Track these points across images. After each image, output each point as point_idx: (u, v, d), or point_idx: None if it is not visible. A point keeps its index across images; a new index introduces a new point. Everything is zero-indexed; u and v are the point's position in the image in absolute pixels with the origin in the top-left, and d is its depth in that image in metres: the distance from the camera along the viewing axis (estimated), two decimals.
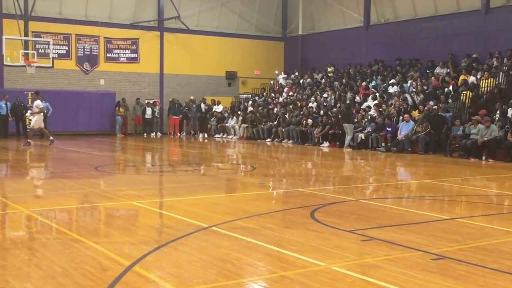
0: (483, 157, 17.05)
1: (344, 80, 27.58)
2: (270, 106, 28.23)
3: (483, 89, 20.73)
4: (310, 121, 23.81)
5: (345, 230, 7.12)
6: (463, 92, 20.62)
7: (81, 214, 8.70)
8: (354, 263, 5.63)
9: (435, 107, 20.34)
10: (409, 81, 23.79)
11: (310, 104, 25.77)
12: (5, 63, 24.80)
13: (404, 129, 19.89)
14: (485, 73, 21.05)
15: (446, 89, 21.57)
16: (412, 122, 19.95)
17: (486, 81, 20.76)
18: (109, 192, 10.41)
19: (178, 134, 29.24)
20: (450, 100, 20.56)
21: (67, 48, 28.08)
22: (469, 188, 11.71)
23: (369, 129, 21.25)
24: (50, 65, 25.74)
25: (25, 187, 11.51)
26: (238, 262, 5.69)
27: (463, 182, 12.69)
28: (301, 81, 30.30)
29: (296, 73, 31.29)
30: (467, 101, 20.28)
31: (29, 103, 26.03)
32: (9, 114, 24.83)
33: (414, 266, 5.48)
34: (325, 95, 26.33)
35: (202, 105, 29.82)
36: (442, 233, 7.05)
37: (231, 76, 32.42)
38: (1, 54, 24.77)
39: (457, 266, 5.54)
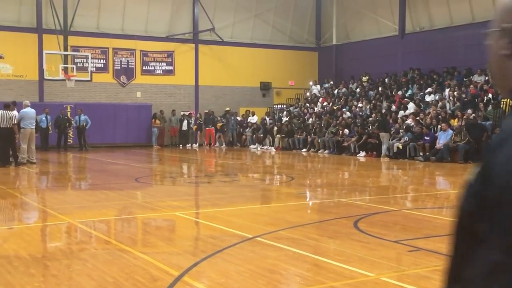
0: None
1: (379, 89, 27.42)
2: (306, 116, 28.19)
3: None
4: (346, 130, 23.72)
5: (390, 240, 7.06)
6: (503, 100, 20.30)
7: (125, 224, 8.82)
8: (403, 273, 5.58)
9: (473, 115, 20.08)
10: (447, 90, 23.52)
11: (344, 115, 25.66)
12: (45, 77, 25.35)
13: (443, 138, 19.66)
14: None
15: (485, 97, 21.26)
16: (450, 131, 19.71)
17: None
18: (151, 203, 10.53)
19: (215, 145, 29.36)
20: (490, 108, 20.26)
21: (104, 61, 28.51)
22: None
23: (405, 138, 21.05)
24: (89, 78, 26.17)
25: (70, 198, 11.70)
26: (286, 272, 5.70)
27: None
28: (335, 91, 30.20)
29: (331, 82, 31.18)
30: (507, 109, 19.95)
31: (69, 116, 26.58)
32: (50, 128, 25.26)
33: None
34: (360, 105, 26.20)
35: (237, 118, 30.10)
36: None
37: (265, 87, 32.46)
38: (42, 69, 25.35)
39: None
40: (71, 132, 26.53)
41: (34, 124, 18.94)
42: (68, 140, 26.29)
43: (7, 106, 17.98)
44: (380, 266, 5.82)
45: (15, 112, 17.79)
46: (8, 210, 10.49)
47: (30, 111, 18.53)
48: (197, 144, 28.96)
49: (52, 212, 9.47)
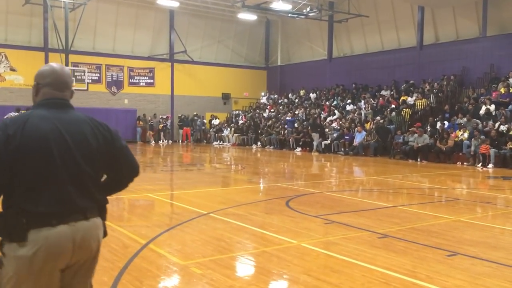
0: (418, 159, 17.17)
1: (312, 100, 27.66)
2: (256, 120, 28.21)
3: (418, 107, 20.90)
4: (287, 130, 23.90)
5: (312, 215, 7.13)
6: (403, 109, 20.77)
7: (109, 204, 8.64)
8: (318, 240, 5.65)
9: (381, 120, 20.47)
10: (362, 101, 23.92)
11: (287, 118, 25.81)
12: None
13: (358, 137, 19.98)
14: (420, 95, 21.23)
15: (390, 107, 21.72)
16: (364, 132, 20.05)
17: (420, 101, 20.94)
18: (131, 187, 10.17)
19: (189, 141, 29.10)
20: (393, 114, 20.70)
21: (98, 75, 27.90)
22: (408, 183, 11.76)
23: (334, 136, 21.32)
24: (85, 88, 25.52)
25: None
26: (230, 240, 5.69)
27: (403, 178, 12.74)
28: (279, 100, 30.33)
29: (276, 96, 31.27)
30: (406, 116, 20.43)
31: None
32: None
33: (364, 243, 5.51)
34: (297, 112, 26.39)
35: (203, 120, 30.01)
36: (386, 217, 7.08)
37: (226, 97, 32.35)
38: None
39: (397, 242, 5.57)
40: None
41: None
42: None
43: (18, 110, 17.61)
44: (302, 235, 5.88)
45: None
46: None
47: None
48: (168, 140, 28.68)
49: None
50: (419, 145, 17.17)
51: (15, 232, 2.07)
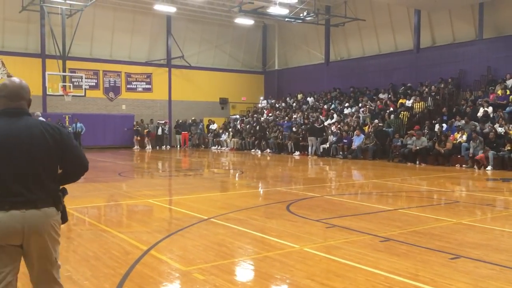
0: (417, 162, 17.17)
1: (309, 103, 27.68)
2: (254, 124, 28.20)
3: (416, 110, 20.93)
4: (285, 135, 23.90)
5: (313, 219, 7.11)
6: (402, 112, 20.79)
7: (108, 210, 8.61)
8: (320, 245, 5.62)
9: (379, 123, 20.48)
10: (360, 104, 23.93)
11: (284, 122, 25.81)
12: (47, 93, 24.58)
13: (357, 141, 19.98)
14: (417, 98, 21.26)
15: (388, 110, 21.73)
16: (362, 136, 20.06)
17: (418, 104, 20.97)
18: (130, 193, 10.32)
19: (187, 146, 29.03)
20: (392, 118, 20.70)
21: (96, 81, 27.87)
22: (407, 186, 11.76)
23: (332, 140, 21.30)
24: (83, 94, 25.56)
25: None
26: (231, 245, 5.66)
27: (402, 181, 12.75)
28: (277, 105, 30.35)
29: (273, 100, 31.28)
30: (404, 119, 20.45)
31: (67, 124, 25.86)
32: None
33: (366, 247, 5.49)
34: (295, 116, 26.39)
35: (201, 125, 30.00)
36: (387, 221, 7.07)
37: (223, 102, 32.37)
38: (45, 86, 24.59)
39: (399, 246, 5.55)
40: None
41: None
42: None
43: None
44: (304, 240, 5.85)
45: None
46: None
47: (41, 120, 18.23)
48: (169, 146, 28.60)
49: None
50: (418, 147, 17.18)
51: None
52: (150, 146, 27.61)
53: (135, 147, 27.41)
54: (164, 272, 4.66)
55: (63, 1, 23.12)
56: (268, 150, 24.45)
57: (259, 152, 24.53)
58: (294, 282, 4.31)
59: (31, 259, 2.78)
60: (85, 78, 26.18)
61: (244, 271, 4.80)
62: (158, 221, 7.34)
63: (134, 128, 27.65)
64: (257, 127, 26.89)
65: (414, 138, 17.58)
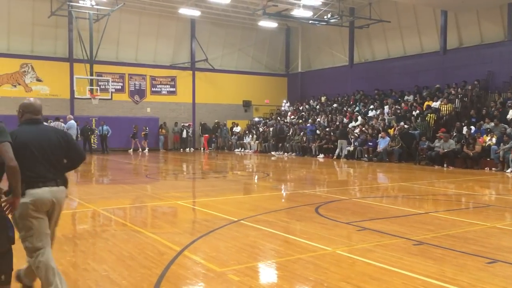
0: (445, 165, 16.91)
1: (334, 106, 27.55)
2: (277, 127, 28.15)
3: (443, 112, 20.62)
4: (308, 137, 23.84)
5: (343, 222, 7.08)
6: (428, 115, 20.51)
7: (138, 211, 8.72)
8: (353, 248, 5.59)
9: (406, 126, 20.25)
10: (385, 106, 23.71)
11: (308, 125, 25.71)
12: (75, 96, 25.04)
13: (382, 143, 19.80)
14: (445, 99, 20.95)
15: (414, 112, 21.47)
16: (388, 138, 19.86)
17: (446, 106, 20.67)
18: (158, 194, 10.43)
19: (208, 149, 29.17)
20: (418, 120, 20.45)
21: (122, 84, 28.28)
22: (435, 189, 11.59)
23: (356, 143, 21.16)
24: (109, 97, 25.92)
25: (94, 191, 11.54)
26: (263, 247, 5.68)
27: (429, 184, 12.56)
28: (300, 107, 30.30)
29: (293, 107, 31.15)
30: (431, 122, 20.18)
31: (93, 126, 26.30)
32: (78, 135, 24.84)
33: (400, 250, 5.44)
34: (318, 119, 26.27)
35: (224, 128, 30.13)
36: (419, 224, 6.98)
37: (246, 104, 32.45)
38: (73, 90, 25.07)
39: (434, 250, 5.48)
40: (96, 139, 26.32)
41: (75, 132, 19.24)
42: (93, 145, 25.97)
43: (58, 119, 18.41)
44: (336, 242, 5.83)
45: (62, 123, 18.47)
46: None
47: (74, 122, 19.01)
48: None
49: (81, 201, 9.35)
50: (445, 150, 16.93)
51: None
52: (146, 148, 27.18)
53: (131, 149, 27.04)
54: (199, 273, 4.70)
55: (91, 6, 23.54)
56: (292, 153, 24.40)
57: (285, 154, 24.50)
58: (329, 285, 4.30)
59: (51, 221, 3.89)
60: (112, 82, 26.60)
61: (278, 273, 4.81)
62: (188, 222, 7.41)
63: (133, 132, 27.15)
64: (279, 130, 26.86)
65: (441, 140, 17.32)
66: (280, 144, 25.59)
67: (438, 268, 4.73)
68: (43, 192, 3.71)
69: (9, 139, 3.49)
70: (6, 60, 25.02)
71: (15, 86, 25.33)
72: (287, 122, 28.29)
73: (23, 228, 3.72)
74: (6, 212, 3.55)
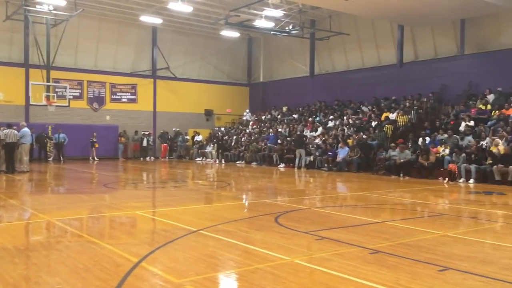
0: (401, 175, 17.37)
1: (295, 116, 27.85)
2: (239, 136, 28.25)
3: (400, 123, 21.22)
4: (269, 147, 23.96)
5: (302, 231, 7.14)
6: (386, 126, 21.06)
7: (95, 221, 8.51)
8: (311, 257, 5.65)
9: (364, 136, 20.69)
10: (345, 117, 24.17)
11: (269, 134, 25.89)
12: (31, 103, 24.28)
13: (341, 153, 20.15)
14: (401, 111, 21.58)
15: (373, 123, 21.98)
16: (347, 148, 20.23)
17: (402, 117, 21.28)
18: (116, 204, 10.22)
19: (167, 158, 28.93)
20: (376, 131, 20.95)
21: (80, 91, 27.68)
22: (392, 198, 11.86)
23: (316, 153, 21.43)
24: (67, 104, 25.33)
25: (49, 200, 11.20)
26: (222, 257, 5.65)
27: (386, 193, 12.83)
28: (262, 117, 30.47)
29: (255, 117, 31.32)
30: (388, 132, 20.71)
31: (50, 134, 25.55)
32: (33, 143, 24.09)
33: (356, 259, 5.53)
34: (279, 128, 26.51)
35: (186, 137, 29.92)
36: (375, 233, 7.13)
37: (208, 113, 32.39)
38: (28, 96, 24.32)
39: (388, 258, 5.60)
40: (51, 147, 25.55)
41: (30, 140, 18.55)
42: (48, 153, 25.21)
43: (10, 126, 17.72)
44: (294, 252, 5.87)
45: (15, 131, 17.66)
46: None
47: (27, 130, 18.28)
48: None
49: (34, 212, 9.04)
50: (402, 160, 17.40)
51: None
52: (95, 157, 26.70)
53: (90, 157, 26.75)
54: (157, 284, 4.63)
55: (48, 11, 22.98)
56: (254, 163, 24.47)
57: (244, 164, 24.54)
58: None
59: None
60: (69, 88, 25.98)
61: (237, 283, 4.80)
62: (146, 232, 7.29)
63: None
64: (242, 139, 26.94)
65: (397, 151, 17.80)
66: (241, 154, 25.62)
67: (393, 276, 4.84)
68: None
69: None
70: None
71: None
72: (247, 132, 28.35)
73: None
74: None
